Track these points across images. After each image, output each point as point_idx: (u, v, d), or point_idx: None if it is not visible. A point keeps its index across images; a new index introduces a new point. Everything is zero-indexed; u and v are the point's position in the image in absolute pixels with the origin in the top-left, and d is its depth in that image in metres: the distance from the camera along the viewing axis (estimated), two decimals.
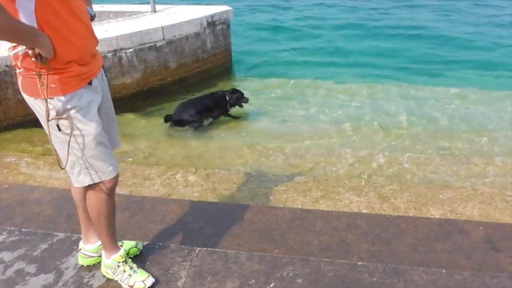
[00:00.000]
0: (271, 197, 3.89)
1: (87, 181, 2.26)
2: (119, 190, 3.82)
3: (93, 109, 2.17)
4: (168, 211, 3.52)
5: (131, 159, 4.86)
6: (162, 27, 6.81)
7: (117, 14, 7.50)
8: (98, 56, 2.29)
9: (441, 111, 6.19)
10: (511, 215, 3.59)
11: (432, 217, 3.47)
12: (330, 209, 3.66)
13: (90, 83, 2.17)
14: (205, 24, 7.47)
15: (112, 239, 2.50)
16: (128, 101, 6.51)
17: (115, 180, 2.36)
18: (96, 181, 2.26)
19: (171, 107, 6.54)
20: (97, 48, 2.28)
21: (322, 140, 5.37)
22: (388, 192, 3.96)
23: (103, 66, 2.36)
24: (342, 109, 6.41)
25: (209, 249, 2.90)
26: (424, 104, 6.43)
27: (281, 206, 3.70)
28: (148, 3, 7.86)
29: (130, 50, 6.49)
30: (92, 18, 2.29)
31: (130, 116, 6.15)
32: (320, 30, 11.02)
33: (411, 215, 3.60)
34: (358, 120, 5.97)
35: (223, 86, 7.53)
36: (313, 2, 13.98)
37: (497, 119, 5.86)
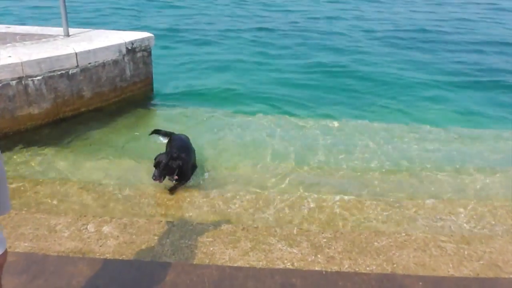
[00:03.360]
0: (196, 251, 3.50)
1: None
2: (16, 247, 3.28)
3: None
4: (76, 273, 3.05)
5: (33, 206, 4.23)
6: (76, 53, 6.25)
7: (24, 37, 6.80)
8: None
9: (367, 148, 6.05)
10: (445, 263, 3.50)
11: (370, 272, 3.28)
12: (261, 264, 3.35)
13: None
14: (124, 51, 7.00)
15: None
16: (35, 134, 5.81)
17: (3, 258, 1.88)
18: None
19: (84, 141, 5.96)
20: None
21: (246, 181, 4.96)
22: (322, 241, 3.74)
23: None
24: (263, 145, 6.02)
25: None
26: (350, 140, 6.26)
27: (208, 262, 3.33)
28: (60, 26, 7.22)
29: (38, 77, 5.86)
30: None
31: (35, 151, 5.44)
32: (245, 60, 10.84)
33: (347, 266, 3.39)
34: (281, 158, 5.59)
35: (144, 116, 7.08)
36: (241, 35, 13.84)
37: (426, 158, 5.74)
